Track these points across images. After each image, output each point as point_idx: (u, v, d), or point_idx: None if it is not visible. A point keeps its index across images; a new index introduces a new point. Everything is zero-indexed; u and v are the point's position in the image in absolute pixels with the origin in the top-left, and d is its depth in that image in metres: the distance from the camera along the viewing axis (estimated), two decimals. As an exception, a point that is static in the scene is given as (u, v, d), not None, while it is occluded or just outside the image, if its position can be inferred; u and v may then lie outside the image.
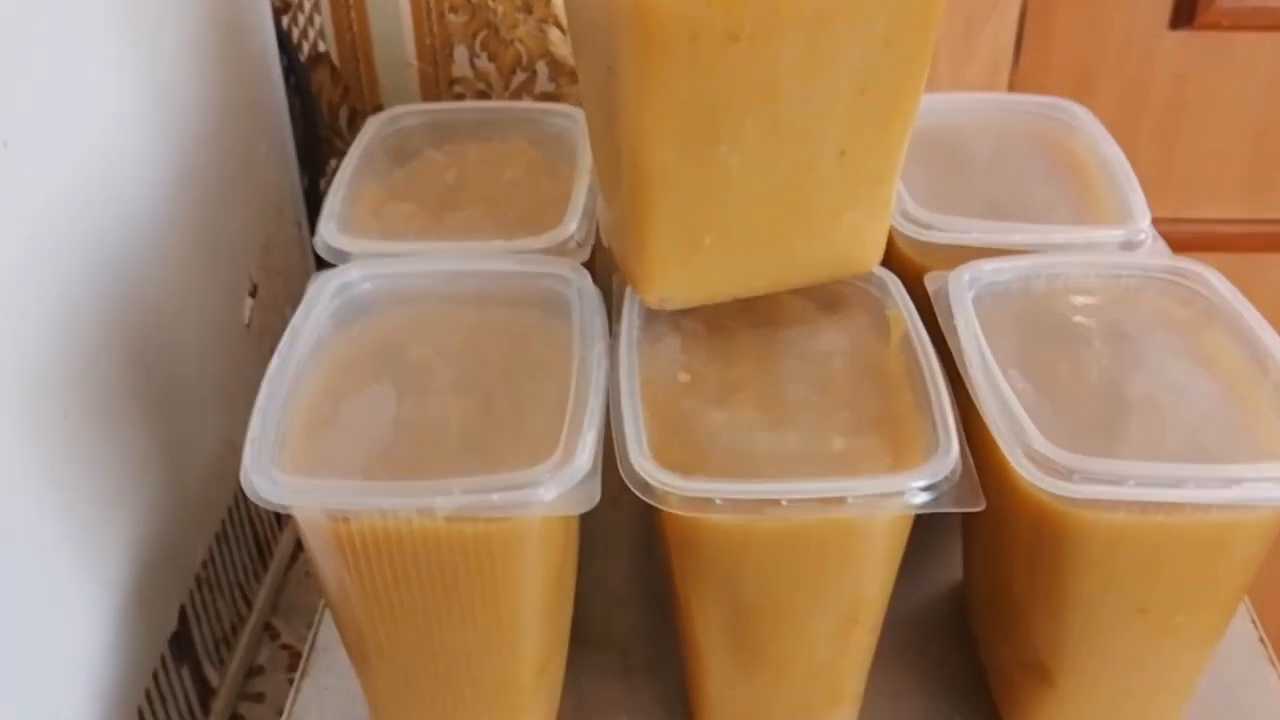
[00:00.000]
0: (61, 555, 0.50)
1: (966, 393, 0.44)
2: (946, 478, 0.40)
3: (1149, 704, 0.46)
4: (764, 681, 0.46)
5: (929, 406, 0.42)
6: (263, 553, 0.72)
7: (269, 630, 0.71)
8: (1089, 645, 0.44)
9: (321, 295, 0.47)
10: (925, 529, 0.44)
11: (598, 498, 0.39)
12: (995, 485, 0.42)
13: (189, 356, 0.62)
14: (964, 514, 0.52)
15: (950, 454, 0.40)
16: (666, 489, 0.40)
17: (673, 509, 0.40)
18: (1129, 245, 0.51)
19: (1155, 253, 0.52)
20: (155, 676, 0.58)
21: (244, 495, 0.68)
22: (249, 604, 0.69)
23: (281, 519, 0.74)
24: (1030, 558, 0.43)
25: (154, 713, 0.57)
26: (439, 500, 0.38)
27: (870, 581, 0.43)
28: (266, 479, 0.39)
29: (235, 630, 0.67)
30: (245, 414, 0.42)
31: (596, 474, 0.40)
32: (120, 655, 0.54)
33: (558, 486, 0.39)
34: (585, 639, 0.52)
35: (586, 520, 0.50)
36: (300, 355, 0.44)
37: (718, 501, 0.39)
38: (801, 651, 0.45)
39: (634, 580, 0.56)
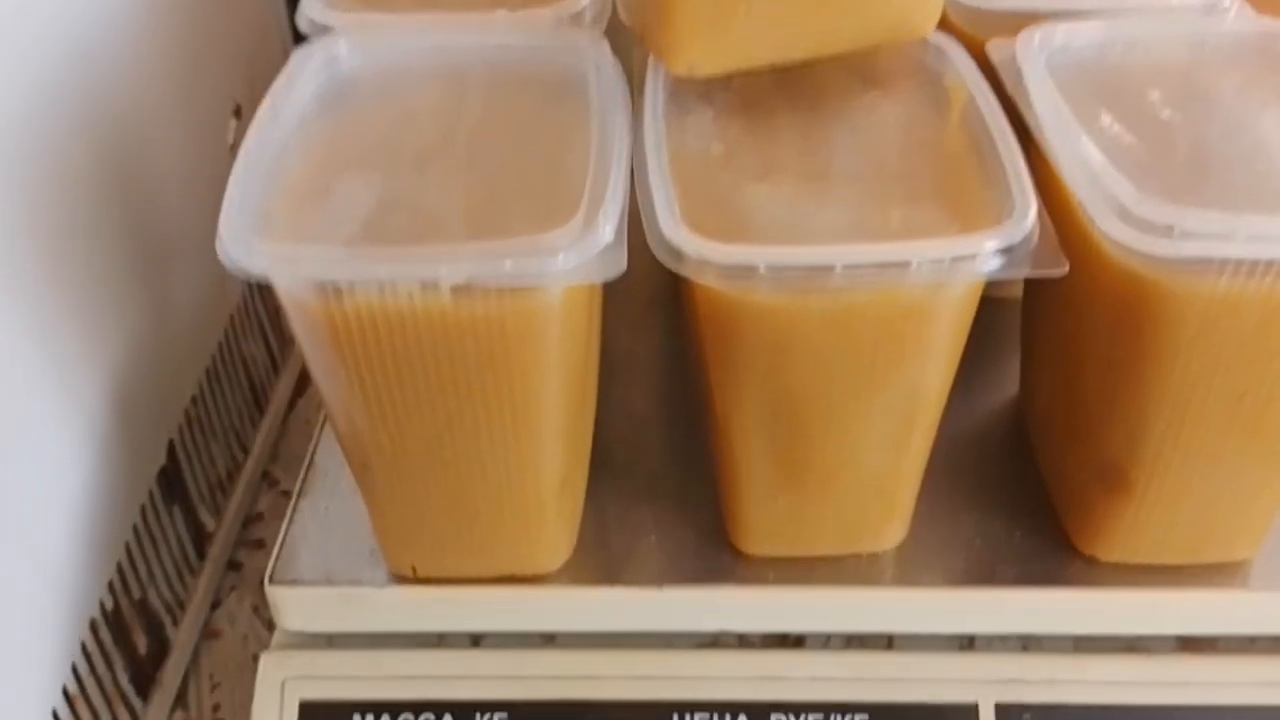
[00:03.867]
0: (36, 378, 0.45)
1: (1038, 167, 0.38)
2: (1025, 238, 0.35)
3: (1238, 512, 0.41)
4: (809, 493, 0.42)
5: (999, 172, 0.37)
6: (258, 398, 0.67)
7: (268, 478, 0.67)
8: (1175, 441, 0.39)
9: (305, 69, 0.41)
10: (975, 342, 0.40)
11: (623, 266, 0.34)
12: (1073, 260, 0.37)
13: (168, 177, 0.57)
14: (1026, 309, 0.48)
15: (1028, 213, 0.35)
16: (703, 257, 0.35)
17: (710, 282, 0.35)
18: (1212, 9, 0.45)
19: (1241, 19, 0.46)
20: (144, 513, 0.54)
21: (234, 336, 0.65)
22: (245, 450, 0.65)
23: (277, 361, 0.70)
24: (1111, 343, 0.38)
25: (144, 552, 0.53)
26: (444, 269, 0.33)
27: (931, 374, 0.38)
28: (245, 247, 0.34)
29: (231, 476, 0.63)
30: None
31: (622, 244, 0.35)
32: (103, 487, 0.50)
33: (579, 253, 0.34)
34: (609, 464, 0.48)
35: (608, 346, 0.46)
36: (283, 128, 0.39)
37: (761, 270, 0.34)
38: (852, 457, 0.40)
39: (660, 406, 0.52)
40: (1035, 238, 0.35)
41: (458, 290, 0.34)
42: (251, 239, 0.34)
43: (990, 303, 0.39)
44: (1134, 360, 0.38)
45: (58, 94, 0.46)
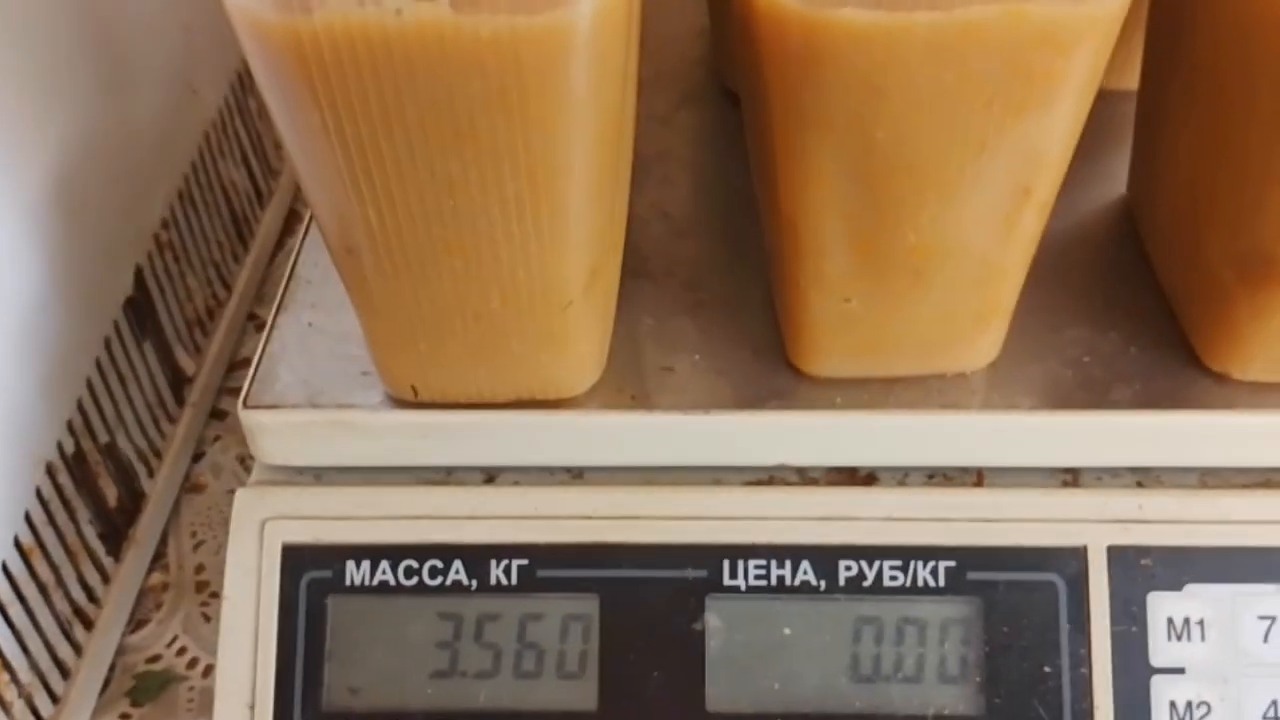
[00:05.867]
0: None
1: None
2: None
3: None
4: (891, 293, 0.34)
5: None
6: (241, 232, 0.60)
7: (255, 320, 0.60)
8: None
9: None
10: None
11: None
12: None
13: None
14: (1150, 75, 0.40)
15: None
16: (776, -40, 0.27)
17: (785, -6, 0.27)
18: None
19: None
20: (108, 345, 0.47)
21: (211, 156, 0.57)
22: (228, 287, 0.58)
23: (262, 194, 0.62)
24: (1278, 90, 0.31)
25: (109, 389, 0.47)
26: (440, -33, 0.25)
27: (1058, 128, 0.31)
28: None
29: (213, 315, 0.56)
30: (207, 52, 0.29)
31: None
32: (56, 313, 0.43)
33: (617, -52, 0.26)
34: (644, 269, 0.41)
35: (640, 145, 0.38)
36: None
37: (854, -29, 0.26)
38: (949, 240, 0.33)
39: (702, 207, 0.44)
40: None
41: (459, 2, 0.26)
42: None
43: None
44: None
45: None
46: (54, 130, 0.43)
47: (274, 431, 0.36)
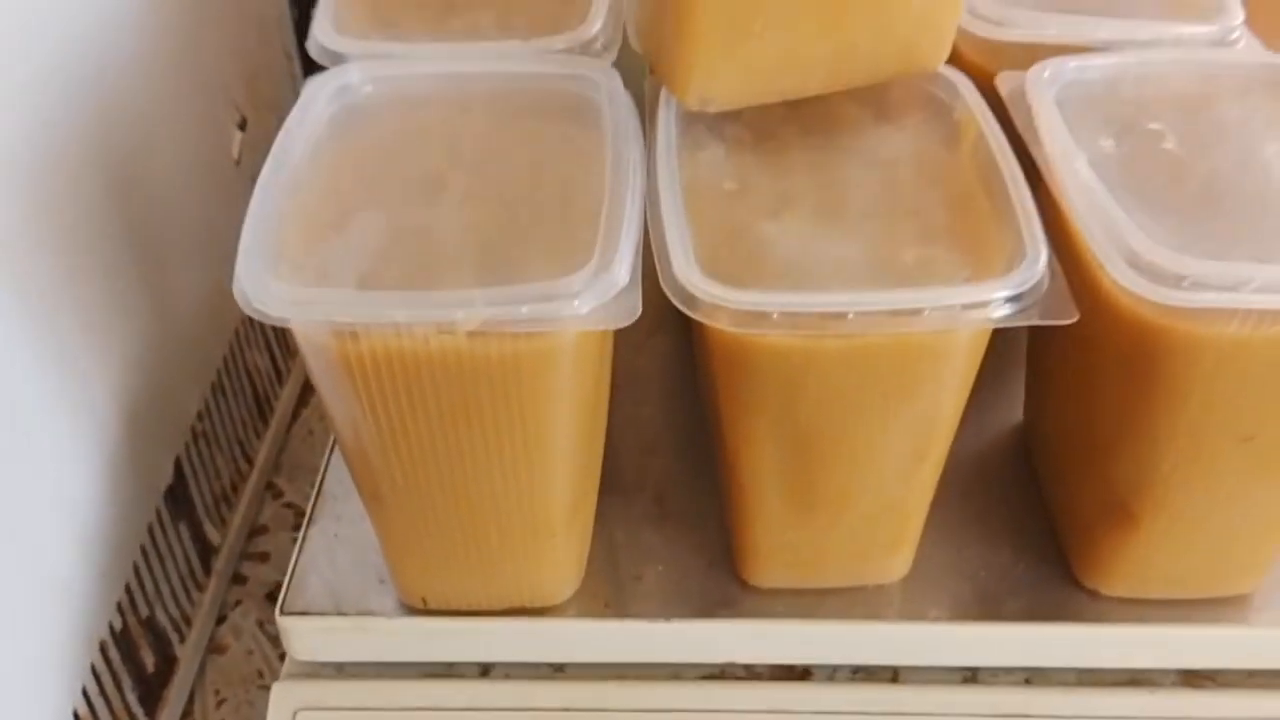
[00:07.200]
0: (43, 399, 0.45)
1: (1049, 203, 0.39)
2: (1035, 286, 0.35)
3: (1242, 548, 0.42)
4: (818, 524, 0.42)
5: (1010, 213, 0.37)
6: (262, 409, 0.67)
7: (271, 489, 0.67)
8: (1182, 480, 0.39)
9: (318, 98, 0.41)
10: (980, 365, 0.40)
11: (638, 311, 0.34)
12: (1083, 302, 0.37)
13: (173, 191, 0.57)
14: (1033, 343, 0.48)
15: (1039, 260, 0.35)
16: (716, 302, 0.35)
17: (723, 325, 0.35)
18: (1221, 43, 0.45)
19: (1249, 50, 0.46)
20: (151, 531, 0.54)
21: (239, 347, 0.65)
22: (250, 461, 0.65)
23: (281, 373, 0.70)
24: (1120, 383, 0.39)
25: (150, 569, 0.54)
26: (460, 313, 0.33)
27: (943, 407, 0.39)
28: (263, 290, 0.34)
29: (236, 488, 0.64)
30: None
31: (636, 286, 0.35)
32: (112, 507, 0.50)
33: (594, 298, 0.34)
34: (616, 487, 0.48)
35: (615, 365, 0.46)
36: (297, 161, 0.39)
37: (775, 316, 0.34)
38: (862, 490, 0.40)
39: (667, 427, 0.52)
40: (1045, 285, 0.35)
41: (473, 332, 0.34)
42: (268, 281, 0.34)
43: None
44: (1143, 400, 0.38)
45: (63, 109, 0.46)
46: (111, 349, 0.51)
47: (306, 634, 0.43)
